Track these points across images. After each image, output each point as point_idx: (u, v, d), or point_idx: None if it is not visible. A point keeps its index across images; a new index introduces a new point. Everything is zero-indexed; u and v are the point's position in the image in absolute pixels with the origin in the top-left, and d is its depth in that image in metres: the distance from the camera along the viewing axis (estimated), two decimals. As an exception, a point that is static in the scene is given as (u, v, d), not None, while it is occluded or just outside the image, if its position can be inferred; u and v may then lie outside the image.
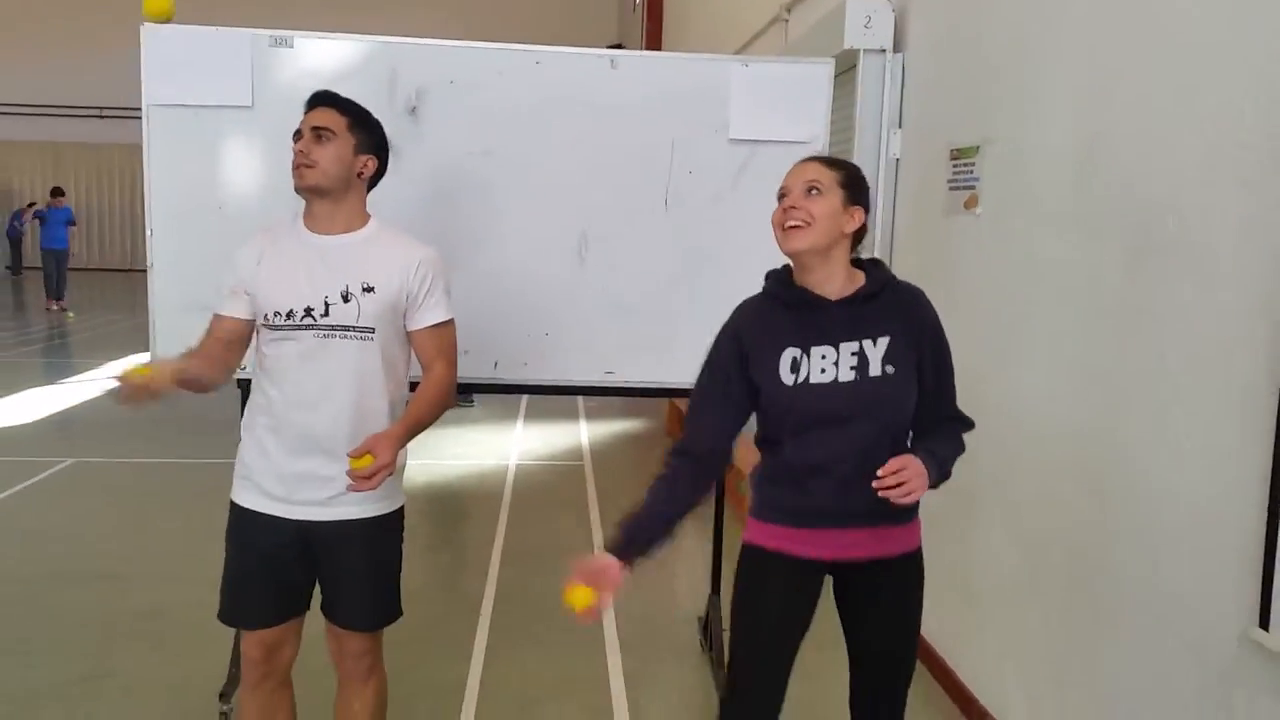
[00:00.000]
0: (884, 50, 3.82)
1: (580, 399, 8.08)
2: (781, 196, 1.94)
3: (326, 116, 2.14)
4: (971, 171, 3.19)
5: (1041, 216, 2.75)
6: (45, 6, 20.17)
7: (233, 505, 2.22)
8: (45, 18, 20.14)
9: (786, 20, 5.78)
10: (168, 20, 2.90)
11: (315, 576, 2.24)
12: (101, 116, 20.10)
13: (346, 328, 2.10)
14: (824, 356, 1.90)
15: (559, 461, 6.32)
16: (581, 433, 7.09)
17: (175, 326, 2.91)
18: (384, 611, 2.30)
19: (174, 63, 2.98)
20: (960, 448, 1.99)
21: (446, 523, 5.24)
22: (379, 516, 2.21)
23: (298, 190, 2.14)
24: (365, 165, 2.18)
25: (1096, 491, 2.44)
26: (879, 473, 1.78)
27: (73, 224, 14.21)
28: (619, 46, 16.47)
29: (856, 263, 1.99)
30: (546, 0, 20.39)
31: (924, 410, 1.95)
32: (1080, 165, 2.56)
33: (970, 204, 3.19)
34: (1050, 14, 2.74)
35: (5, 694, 3.10)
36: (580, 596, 1.80)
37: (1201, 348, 2.08)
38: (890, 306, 1.94)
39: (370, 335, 2.12)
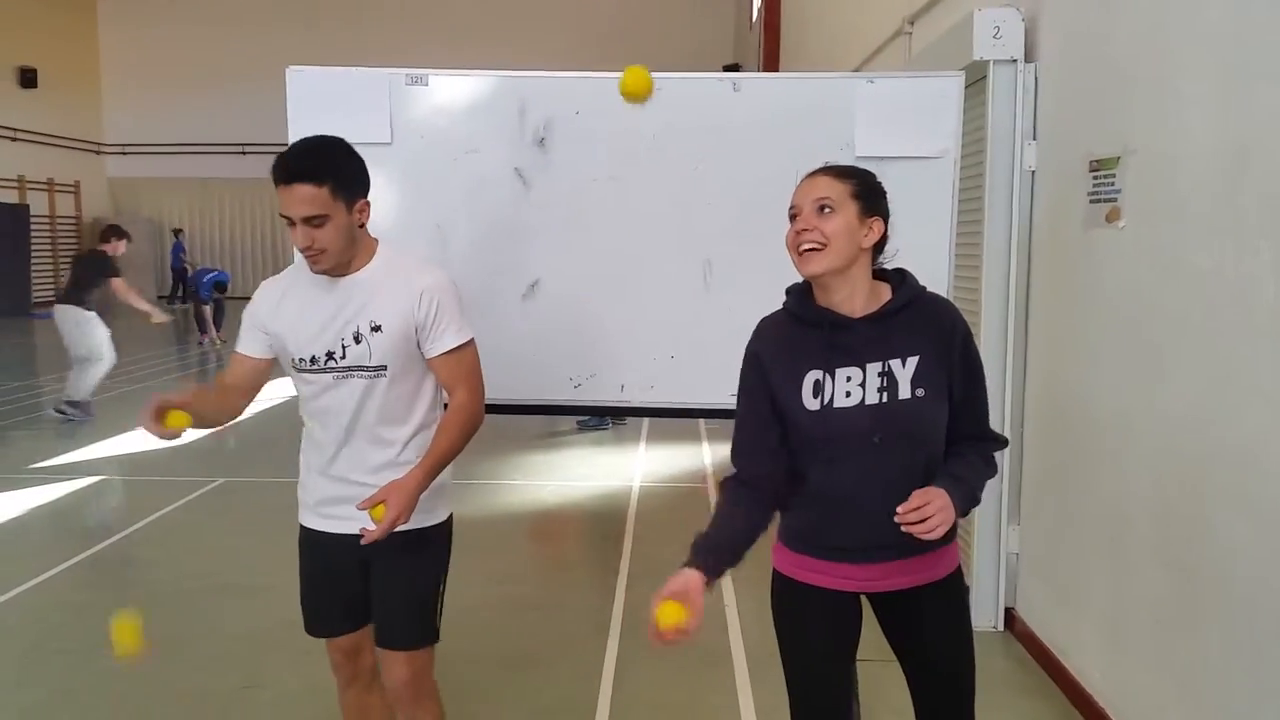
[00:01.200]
0: (1015, 60, 3.71)
1: (703, 421, 8.08)
2: (793, 216, 1.85)
3: (309, 197, 2.03)
4: (1113, 184, 3.06)
5: (1188, 227, 2.62)
6: (193, 55, 21.57)
7: (300, 527, 2.34)
8: (193, 65, 21.53)
9: (909, 33, 5.69)
10: (646, 97, 2.65)
11: None
12: (243, 153, 21.29)
13: (361, 368, 2.17)
14: (849, 379, 1.81)
15: (681, 483, 6.33)
16: (704, 455, 7.08)
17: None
18: (419, 630, 2.29)
19: (317, 103, 3.14)
20: (992, 470, 1.90)
21: (573, 543, 5.31)
22: (423, 530, 2.24)
23: (316, 274, 2.16)
24: (362, 212, 2.16)
25: (1255, 515, 2.30)
26: (899, 510, 1.70)
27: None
28: (736, 66, 16.52)
29: (881, 274, 1.90)
30: (666, 23, 20.67)
31: (953, 428, 1.85)
32: (1228, 171, 2.43)
33: (1113, 217, 3.06)
34: (1186, 13, 2.62)
35: (168, 698, 3.31)
36: (671, 612, 1.71)
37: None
38: (918, 321, 1.84)
39: (383, 373, 2.17)
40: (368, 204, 2.19)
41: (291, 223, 2.07)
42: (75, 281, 8.14)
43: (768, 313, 3.25)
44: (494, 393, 3.25)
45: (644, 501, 5.86)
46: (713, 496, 5.91)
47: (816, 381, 1.82)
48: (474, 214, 3.19)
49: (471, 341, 2.27)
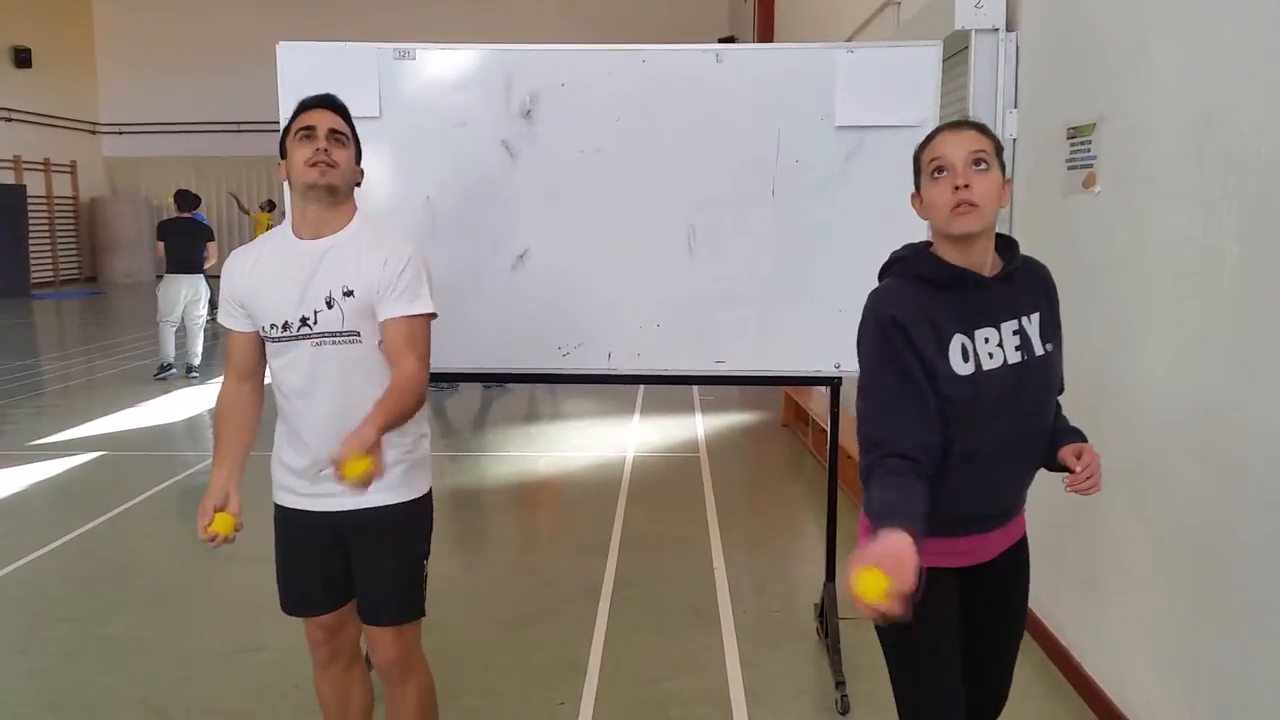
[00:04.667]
0: (996, 30, 3.75)
1: (695, 392, 8.16)
2: (938, 170, 1.73)
3: (338, 121, 2.15)
4: (1089, 150, 3.12)
5: (1159, 191, 2.68)
6: (187, 34, 21.47)
7: (275, 505, 2.29)
8: (188, 44, 21.44)
9: (898, 4, 5.71)
10: None
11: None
12: (239, 131, 21.23)
13: (335, 333, 2.12)
14: (987, 340, 1.74)
15: (675, 453, 6.41)
16: (697, 425, 7.16)
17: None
18: (405, 606, 2.26)
19: (306, 79, 3.18)
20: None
21: (567, 511, 5.39)
22: (403, 503, 2.22)
23: (312, 187, 2.09)
24: (360, 175, 2.23)
25: (1224, 471, 2.37)
26: (1076, 468, 1.73)
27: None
28: (731, 38, 16.46)
29: None
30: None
31: None
32: (1196, 137, 2.49)
33: (1089, 182, 3.12)
34: (1165, -16, 2.67)
35: (171, 658, 3.40)
36: (874, 582, 1.40)
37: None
38: (1030, 278, 1.83)
39: (356, 338, 2.13)
40: (363, 173, 2.25)
41: (309, 137, 2.10)
42: (188, 249, 9.03)
43: (752, 280, 3.32)
44: (484, 361, 3.34)
45: (638, 471, 5.94)
46: (706, 466, 5.99)
47: (964, 346, 1.72)
48: (462, 186, 3.24)
49: (430, 319, 2.18)
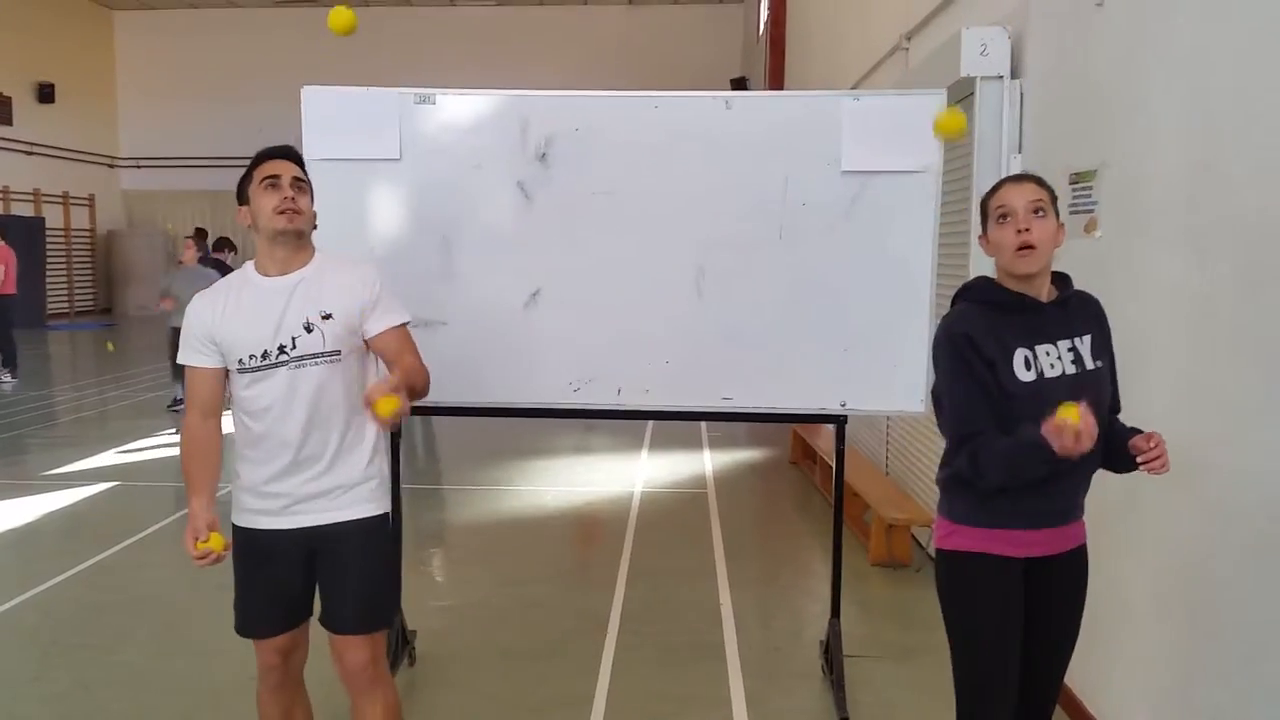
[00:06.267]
0: (1001, 77, 3.84)
1: (704, 429, 8.21)
2: (1003, 216, 2.03)
3: (299, 170, 2.35)
4: (1090, 195, 3.19)
5: (1156, 239, 2.74)
6: (206, 71, 21.86)
7: (235, 528, 2.38)
8: (206, 81, 21.82)
9: (907, 48, 5.83)
10: (350, 32, 2.85)
11: (315, 582, 2.41)
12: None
13: (316, 355, 2.29)
14: (1048, 353, 2.03)
15: (683, 489, 6.45)
16: (705, 461, 7.20)
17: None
18: (375, 615, 2.41)
19: (330, 121, 3.29)
20: None
21: (574, 546, 5.42)
22: (371, 518, 2.38)
23: (282, 232, 2.28)
24: (315, 215, 2.42)
25: (1215, 515, 2.41)
26: (1148, 445, 1.99)
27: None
28: (743, 79, 16.68)
29: None
30: (676, 38, 20.89)
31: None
32: (1192, 187, 2.56)
33: (1090, 228, 3.18)
34: (1157, 35, 2.75)
35: (182, 687, 3.44)
36: (1073, 411, 1.79)
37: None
38: (1083, 307, 2.12)
39: (337, 357, 2.31)
40: (316, 213, 2.44)
41: (274, 186, 2.29)
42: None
43: (759, 319, 3.39)
44: (497, 396, 3.40)
45: (646, 506, 5.97)
46: (713, 503, 6.03)
47: (1026, 358, 2.02)
48: (478, 226, 3.33)
49: (407, 324, 2.42)
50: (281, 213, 2.27)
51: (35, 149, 19.33)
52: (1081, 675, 3.21)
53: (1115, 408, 2.18)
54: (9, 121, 18.65)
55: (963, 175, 3.99)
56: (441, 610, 4.20)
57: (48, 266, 19.19)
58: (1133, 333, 2.86)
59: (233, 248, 9.58)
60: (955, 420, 2.07)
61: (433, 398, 3.42)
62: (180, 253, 9.23)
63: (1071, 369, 2.04)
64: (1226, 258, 2.38)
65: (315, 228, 2.41)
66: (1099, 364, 2.08)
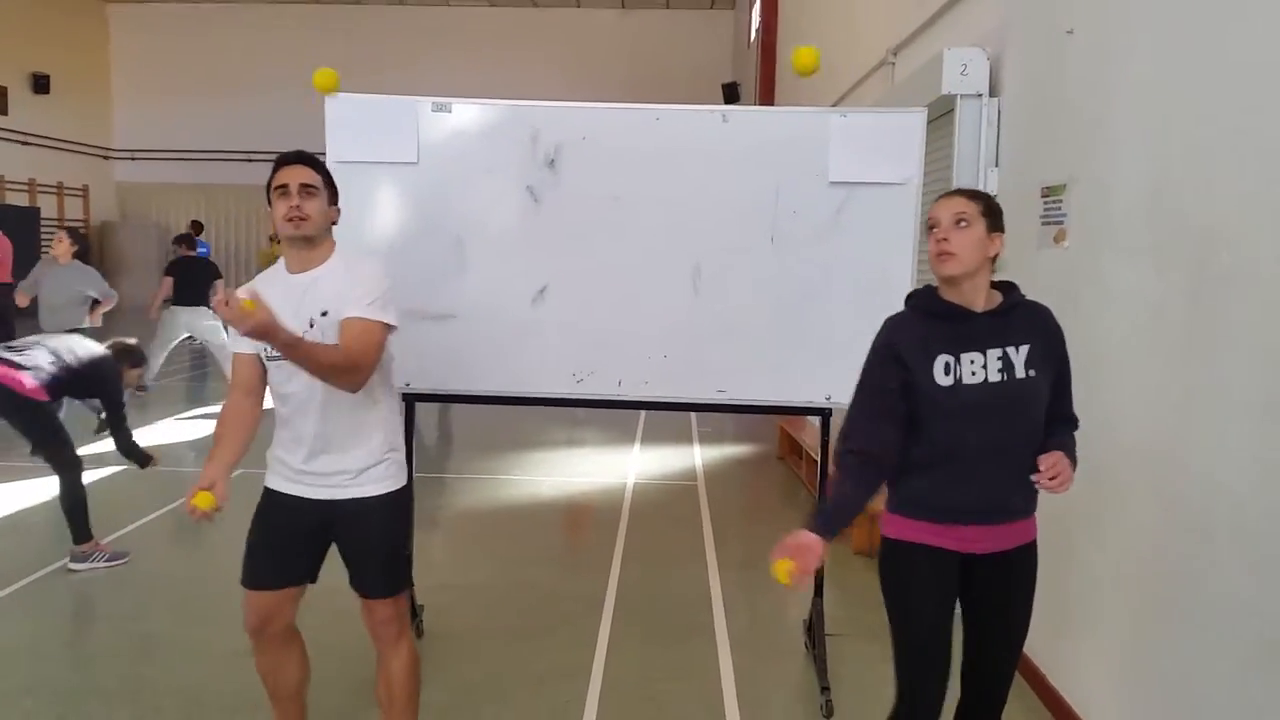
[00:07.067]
0: (980, 95, 4.09)
1: (694, 423, 8.45)
2: (931, 227, 2.18)
3: (308, 174, 2.49)
4: (1060, 208, 3.44)
5: (1118, 249, 3.00)
6: (201, 64, 21.97)
7: (265, 490, 2.63)
8: (201, 73, 21.93)
9: (893, 63, 6.08)
10: (335, 91, 3.46)
11: (323, 553, 2.63)
12: (249, 161, 21.65)
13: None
14: (973, 361, 2.14)
15: (674, 481, 6.69)
16: (695, 455, 7.44)
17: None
18: (398, 579, 2.66)
19: (351, 126, 3.52)
20: (1074, 444, 2.28)
21: (569, 533, 5.66)
22: (390, 493, 2.59)
23: (289, 238, 2.48)
24: (335, 215, 2.58)
25: (1172, 507, 2.65)
26: (1041, 467, 2.09)
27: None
28: (734, 84, 16.92)
29: (993, 284, 2.26)
30: (667, 43, 21.14)
31: (1050, 408, 2.23)
32: (1150, 201, 2.81)
33: (1059, 238, 3.43)
34: (1121, 58, 3.00)
35: (206, 654, 3.66)
36: (783, 569, 2.07)
37: (1260, 372, 2.28)
38: (1026, 320, 2.21)
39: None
40: (338, 211, 2.60)
41: (284, 194, 2.46)
42: (194, 284, 9.31)
43: (752, 317, 3.63)
44: (505, 386, 3.64)
45: (638, 497, 6.21)
46: (703, 494, 6.27)
47: (947, 363, 2.14)
48: (490, 227, 3.57)
49: (386, 328, 2.48)
50: (289, 220, 2.46)
51: (30, 139, 19.42)
52: (1050, 656, 3.46)
53: (1066, 417, 2.28)
54: (4, 112, 18.73)
55: (942, 187, 4.23)
56: (444, 589, 4.42)
57: (42, 256, 19.25)
58: (1098, 339, 3.11)
59: (191, 246, 9.76)
60: (848, 427, 2.23)
61: (445, 386, 3.68)
62: (54, 246, 8.29)
63: (997, 377, 2.13)
64: (1180, 268, 2.63)
65: (335, 223, 2.59)
66: (1032, 374, 2.16)
